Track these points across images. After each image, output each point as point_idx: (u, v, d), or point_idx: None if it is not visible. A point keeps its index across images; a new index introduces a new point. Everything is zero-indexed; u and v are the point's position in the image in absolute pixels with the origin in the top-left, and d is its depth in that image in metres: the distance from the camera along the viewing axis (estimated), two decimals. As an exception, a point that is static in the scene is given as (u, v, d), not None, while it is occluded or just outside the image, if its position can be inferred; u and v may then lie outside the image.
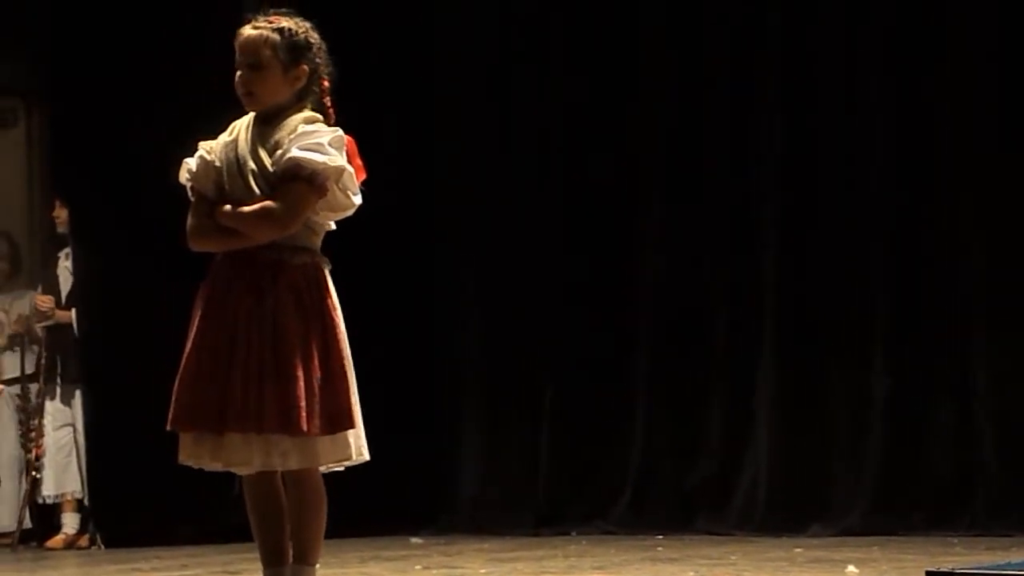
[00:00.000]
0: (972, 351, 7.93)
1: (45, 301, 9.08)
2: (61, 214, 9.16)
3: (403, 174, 9.17)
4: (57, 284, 9.20)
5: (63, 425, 9.10)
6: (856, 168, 8.24)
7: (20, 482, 9.14)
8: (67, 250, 9.20)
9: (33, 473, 9.03)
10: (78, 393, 9.02)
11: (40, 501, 9.12)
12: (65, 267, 9.19)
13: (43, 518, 9.20)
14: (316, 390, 4.45)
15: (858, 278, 8.20)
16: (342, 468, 4.62)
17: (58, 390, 9.11)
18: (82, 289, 8.89)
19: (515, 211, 9.05)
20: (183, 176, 4.63)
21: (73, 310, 8.97)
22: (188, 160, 4.62)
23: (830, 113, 8.29)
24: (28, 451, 9.08)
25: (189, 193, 4.62)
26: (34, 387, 9.23)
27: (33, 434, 9.08)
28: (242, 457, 4.48)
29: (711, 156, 8.59)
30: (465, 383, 9.16)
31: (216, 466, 4.55)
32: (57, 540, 8.97)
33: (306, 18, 4.62)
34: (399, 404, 8.91)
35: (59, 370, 9.08)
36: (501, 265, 9.07)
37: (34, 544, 8.99)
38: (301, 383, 4.42)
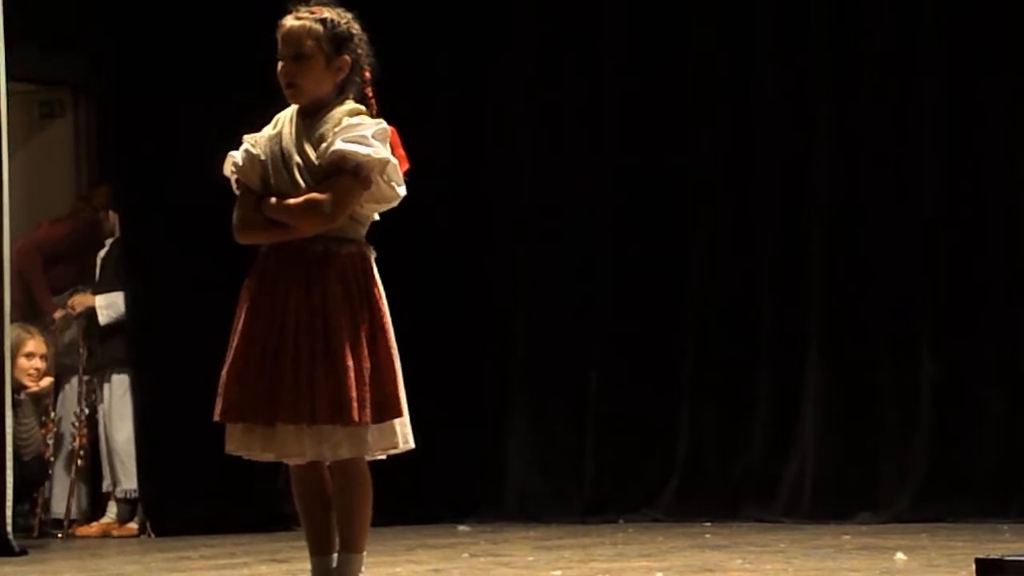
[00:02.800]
0: (1020, 338, 7.89)
1: (76, 301, 9.14)
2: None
3: (455, 167, 9.20)
4: (94, 276, 9.26)
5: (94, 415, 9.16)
6: (903, 160, 8.20)
7: (70, 471, 9.20)
8: (107, 241, 9.26)
9: (78, 461, 9.09)
10: (105, 384, 9.07)
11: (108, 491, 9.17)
12: (99, 258, 9.25)
13: (93, 507, 9.27)
14: (366, 379, 4.47)
15: (906, 266, 8.16)
16: (385, 457, 4.64)
17: (86, 381, 9.14)
18: (130, 278, 8.93)
19: (565, 202, 9.04)
20: (228, 169, 4.65)
21: (97, 297, 9.01)
22: (233, 153, 4.64)
23: (879, 107, 8.24)
24: (73, 439, 9.13)
25: (234, 186, 4.65)
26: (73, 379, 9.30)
27: (76, 423, 9.13)
28: (294, 448, 4.51)
29: (761, 148, 8.56)
30: (513, 372, 9.15)
31: (268, 457, 4.58)
32: (92, 528, 9.01)
33: (348, 8, 4.64)
34: (448, 393, 8.93)
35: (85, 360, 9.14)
36: (550, 257, 9.05)
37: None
38: (352, 373, 4.45)
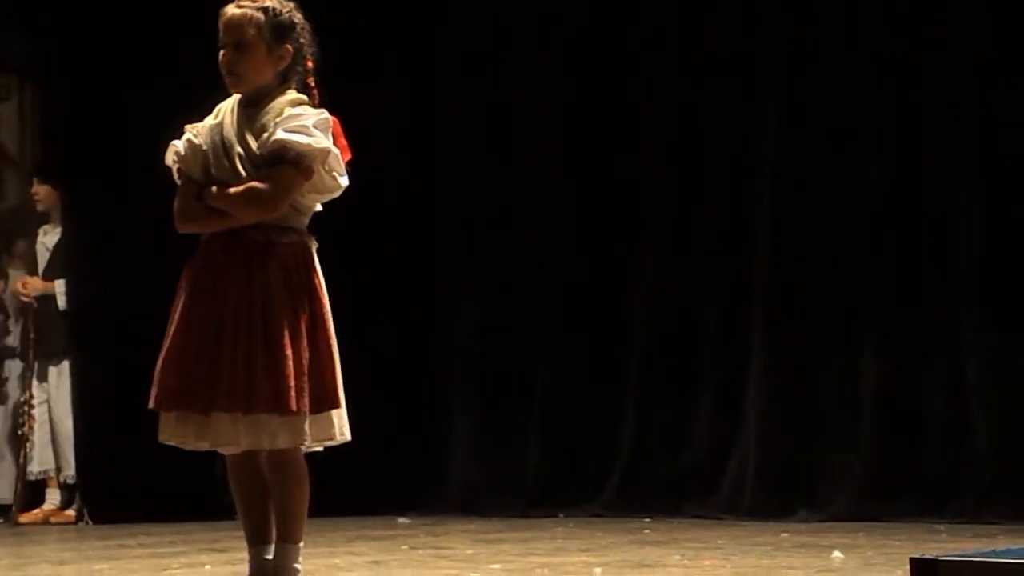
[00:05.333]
0: (963, 340, 7.92)
1: (28, 285, 9.09)
2: (40, 191, 9.19)
3: (402, 161, 9.20)
4: (35, 261, 9.22)
5: (41, 402, 9.12)
6: (848, 159, 8.22)
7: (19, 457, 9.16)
8: (45, 227, 9.24)
9: (27, 448, 9.05)
10: (51, 370, 9.04)
11: (29, 478, 9.15)
12: (42, 243, 9.22)
13: (34, 493, 9.23)
14: (305, 369, 4.46)
15: (849, 266, 8.19)
16: (322, 448, 4.64)
17: (35, 367, 9.11)
18: (70, 265, 8.89)
19: (514, 198, 9.05)
20: (170, 158, 4.64)
21: (57, 282, 8.98)
22: (175, 143, 4.63)
23: (827, 108, 8.26)
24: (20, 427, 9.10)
25: (176, 176, 4.63)
26: (12, 363, 9.25)
27: (24, 409, 9.10)
28: (229, 437, 4.49)
29: (707, 151, 8.58)
30: (457, 365, 9.16)
31: (202, 446, 4.56)
32: (35, 514, 8.98)
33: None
34: (393, 386, 8.94)
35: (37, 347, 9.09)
36: (497, 251, 9.07)
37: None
38: (291, 362, 4.44)
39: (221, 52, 4.57)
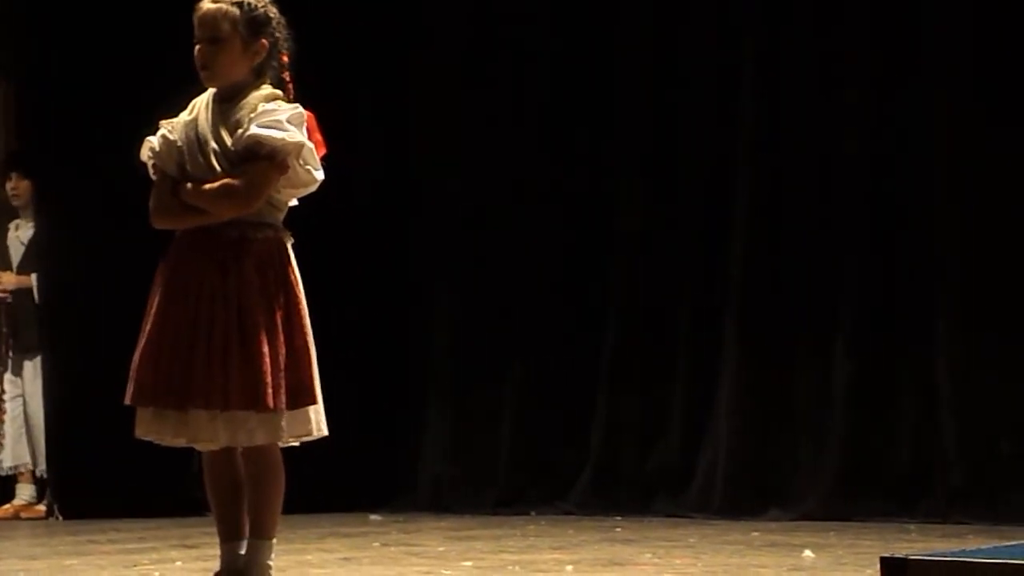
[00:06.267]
0: (934, 340, 7.95)
1: (3, 279, 9.07)
2: (19, 186, 9.16)
3: (377, 154, 9.20)
4: (7, 256, 9.20)
5: (15, 396, 9.09)
6: (822, 163, 8.24)
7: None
8: (17, 221, 9.22)
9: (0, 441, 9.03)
10: (27, 364, 9.02)
11: (0, 473, 9.13)
12: (16, 237, 9.20)
13: (5, 489, 9.19)
14: (281, 365, 4.46)
15: (822, 265, 8.21)
16: (298, 444, 4.64)
17: (9, 361, 9.09)
18: (44, 260, 8.87)
19: (488, 193, 9.04)
20: (145, 154, 4.63)
21: (33, 275, 8.96)
22: (150, 138, 4.62)
23: (802, 110, 8.28)
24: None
25: (151, 172, 4.63)
26: None
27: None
28: (207, 434, 4.49)
29: (682, 148, 8.59)
30: (429, 361, 9.16)
31: (179, 442, 4.56)
32: (5, 509, 8.96)
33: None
34: (365, 381, 8.93)
35: (11, 341, 9.06)
36: (471, 246, 9.07)
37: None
38: (267, 359, 4.43)
39: (196, 47, 4.56)
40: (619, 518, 8.21)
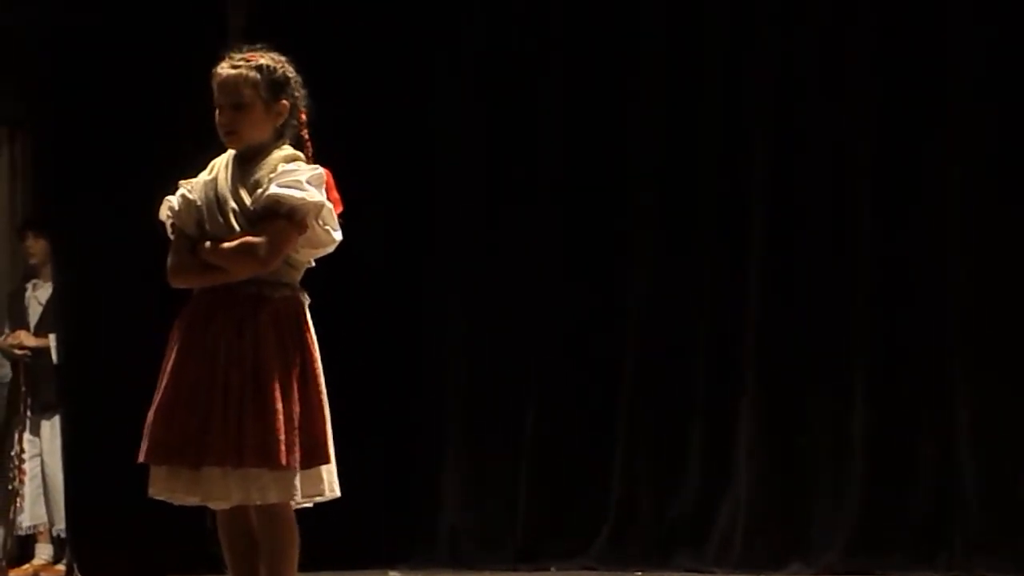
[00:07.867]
0: (954, 388, 7.92)
1: (18, 339, 9.09)
2: (35, 245, 9.19)
3: (389, 210, 9.18)
4: (25, 316, 9.21)
5: (33, 456, 9.09)
6: (838, 209, 8.23)
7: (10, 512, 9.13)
8: (35, 280, 9.25)
9: (18, 502, 9.02)
10: (45, 423, 9.03)
11: (19, 532, 9.12)
12: (33, 297, 9.22)
13: (23, 549, 9.19)
14: (296, 424, 4.46)
15: (840, 314, 8.19)
16: (311, 504, 4.62)
17: (28, 421, 9.10)
18: (62, 319, 8.88)
19: (501, 245, 9.02)
20: (164, 214, 4.65)
21: (51, 336, 8.97)
22: (170, 198, 4.64)
23: (814, 152, 8.29)
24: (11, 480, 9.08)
25: (169, 231, 4.64)
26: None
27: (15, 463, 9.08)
28: (220, 491, 4.48)
29: (699, 188, 8.58)
30: (446, 417, 9.13)
31: (192, 500, 4.55)
32: (24, 570, 8.95)
33: (284, 53, 4.65)
34: (381, 438, 8.91)
35: (29, 400, 9.08)
36: (485, 301, 9.04)
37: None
38: (281, 416, 4.43)
39: (218, 112, 4.58)
40: (639, 572, 8.16)
